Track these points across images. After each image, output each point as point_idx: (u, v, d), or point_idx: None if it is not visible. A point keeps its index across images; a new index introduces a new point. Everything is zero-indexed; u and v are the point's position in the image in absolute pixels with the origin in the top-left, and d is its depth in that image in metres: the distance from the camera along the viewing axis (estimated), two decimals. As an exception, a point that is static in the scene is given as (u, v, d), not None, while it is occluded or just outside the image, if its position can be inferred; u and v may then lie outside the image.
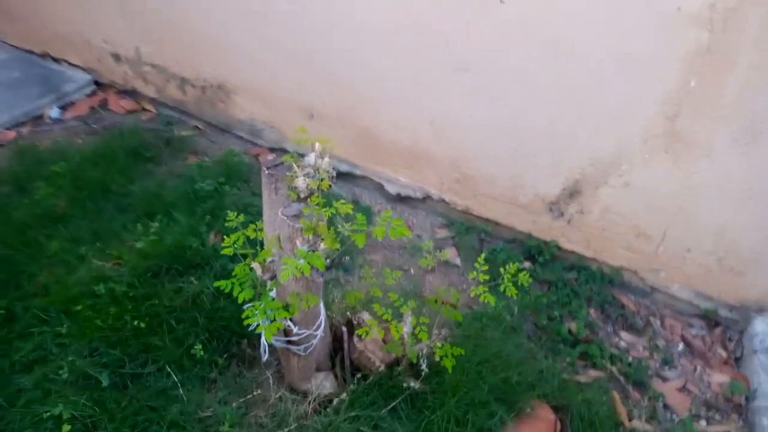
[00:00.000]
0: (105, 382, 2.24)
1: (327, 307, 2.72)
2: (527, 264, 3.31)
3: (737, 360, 2.92)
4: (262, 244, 1.90)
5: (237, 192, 3.49)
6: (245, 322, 1.69)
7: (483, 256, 2.09)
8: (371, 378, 2.31)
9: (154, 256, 2.81)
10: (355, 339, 2.34)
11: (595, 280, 3.27)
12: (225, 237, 1.94)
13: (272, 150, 4.10)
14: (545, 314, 3.01)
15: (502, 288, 2.07)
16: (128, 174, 3.55)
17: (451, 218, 3.65)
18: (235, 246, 1.82)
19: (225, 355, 2.45)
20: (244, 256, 1.86)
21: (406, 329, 2.34)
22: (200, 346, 2.40)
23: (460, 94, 3.11)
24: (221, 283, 1.70)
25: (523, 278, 2.02)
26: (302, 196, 1.82)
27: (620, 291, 3.27)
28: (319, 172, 1.83)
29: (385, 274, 2.36)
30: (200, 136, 4.18)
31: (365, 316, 2.40)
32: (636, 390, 2.67)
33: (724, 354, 2.93)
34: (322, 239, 1.73)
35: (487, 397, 2.29)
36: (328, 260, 1.78)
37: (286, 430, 2.20)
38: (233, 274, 1.78)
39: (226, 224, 1.96)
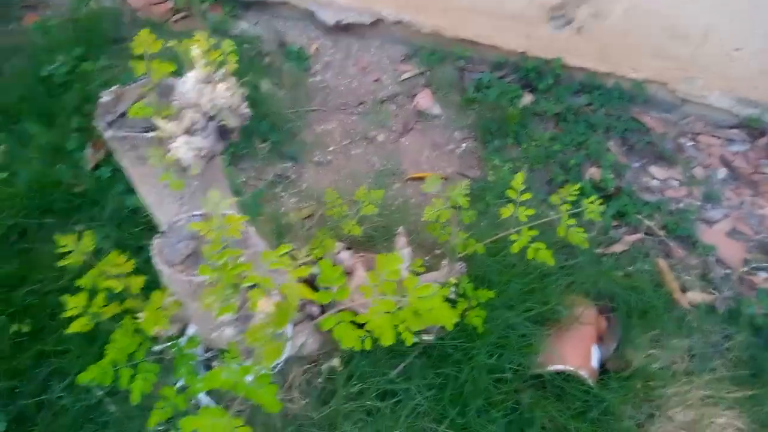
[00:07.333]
0: (0, 427, 1.57)
1: (281, 233, 1.98)
2: (528, 97, 2.51)
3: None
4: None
5: (107, 66, 2.39)
6: None
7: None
8: (367, 333, 1.70)
9: (9, 207, 1.90)
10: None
11: (611, 102, 2.54)
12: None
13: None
14: (559, 165, 2.33)
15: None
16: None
17: (414, 45, 2.69)
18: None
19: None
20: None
21: (404, 264, 1.66)
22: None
23: None
24: (87, 377, 0.90)
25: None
26: (191, 166, 0.94)
27: (642, 110, 2.57)
28: (214, 112, 0.92)
29: (360, 198, 1.58)
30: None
31: (344, 255, 1.69)
32: (681, 246, 2.18)
33: (771, 172, 2.41)
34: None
35: (521, 321, 1.73)
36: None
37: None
38: (110, 341, 0.98)
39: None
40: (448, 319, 0.64)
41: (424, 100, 2.51)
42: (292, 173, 2.25)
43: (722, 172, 2.43)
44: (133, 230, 1.90)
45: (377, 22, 2.64)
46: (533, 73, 2.55)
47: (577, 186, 1.30)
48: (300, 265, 0.80)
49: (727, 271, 2.13)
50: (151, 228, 1.93)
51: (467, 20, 2.47)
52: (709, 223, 2.27)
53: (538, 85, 2.54)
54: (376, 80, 2.59)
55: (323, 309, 1.64)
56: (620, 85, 2.53)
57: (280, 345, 0.82)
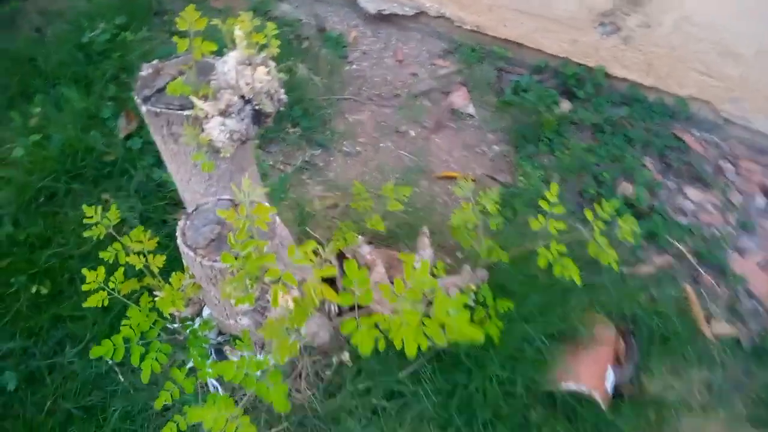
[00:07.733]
0: (11, 385, 1.59)
1: (303, 219, 1.97)
2: (566, 104, 2.45)
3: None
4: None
5: (147, 37, 2.39)
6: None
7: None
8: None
9: (41, 169, 1.92)
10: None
11: (652, 116, 2.46)
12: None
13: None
14: (593, 178, 2.27)
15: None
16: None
17: (455, 41, 2.64)
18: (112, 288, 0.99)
19: (174, 313, 1.77)
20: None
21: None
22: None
23: None
24: (100, 351, 0.90)
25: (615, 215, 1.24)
26: (223, 148, 0.92)
27: (684, 128, 2.49)
28: (251, 95, 0.90)
29: (387, 193, 1.56)
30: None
31: (364, 249, 1.67)
32: (710, 273, 2.10)
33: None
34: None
35: (538, 335, 1.69)
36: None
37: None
38: (127, 318, 0.98)
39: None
40: (475, 337, 0.62)
41: (460, 98, 2.46)
42: (320, 161, 2.23)
43: (761, 201, 2.34)
44: (158, 204, 1.90)
45: (419, 15, 2.59)
46: (573, 80, 2.48)
47: (616, 203, 1.25)
48: (324, 264, 0.78)
49: (757, 304, 2.06)
50: (175, 203, 1.94)
51: (512, 20, 2.41)
52: (742, 252, 2.19)
53: (578, 93, 2.47)
54: (412, 74, 2.55)
55: (340, 306, 1.62)
56: (663, 100, 2.45)
57: (295, 343, 0.81)
